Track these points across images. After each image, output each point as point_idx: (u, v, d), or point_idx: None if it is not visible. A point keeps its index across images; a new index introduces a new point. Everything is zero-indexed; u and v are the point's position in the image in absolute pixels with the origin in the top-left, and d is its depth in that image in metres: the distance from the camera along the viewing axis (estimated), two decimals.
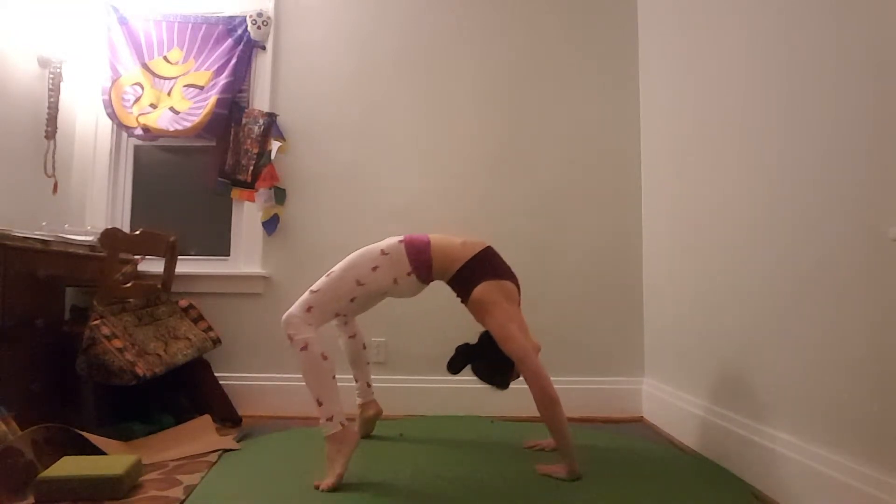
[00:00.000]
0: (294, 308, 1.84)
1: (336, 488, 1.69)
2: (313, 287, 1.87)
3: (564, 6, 2.90)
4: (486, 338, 1.93)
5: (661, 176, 2.58)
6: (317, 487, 1.70)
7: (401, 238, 1.94)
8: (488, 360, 1.91)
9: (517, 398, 2.67)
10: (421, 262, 1.90)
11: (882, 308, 1.30)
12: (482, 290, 1.85)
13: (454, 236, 2.00)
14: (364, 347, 2.27)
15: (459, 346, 1.95)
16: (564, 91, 2.87)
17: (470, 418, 2.59)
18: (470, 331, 2.75)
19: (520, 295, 1.97)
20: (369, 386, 2.27)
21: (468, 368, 1.95)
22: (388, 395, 2.45)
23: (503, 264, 1.97)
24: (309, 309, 1.82)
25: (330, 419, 1.74)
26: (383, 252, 1.89)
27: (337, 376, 1.80)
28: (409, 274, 1.89)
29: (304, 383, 2.67)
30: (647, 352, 2.74)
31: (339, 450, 1.74)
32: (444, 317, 2.77)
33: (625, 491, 1.71)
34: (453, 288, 1.98)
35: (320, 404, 1.75)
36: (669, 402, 2.41)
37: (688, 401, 2.25)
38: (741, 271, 1.89)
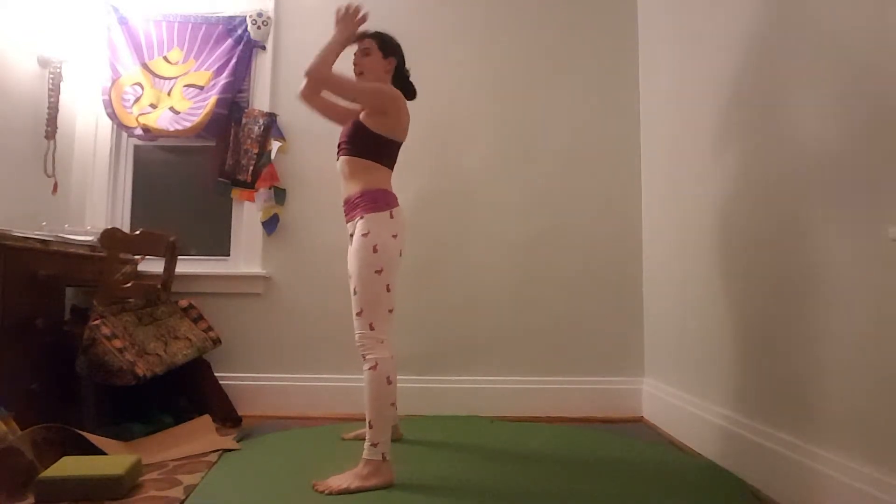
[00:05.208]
0: (358, 330, 1.83)
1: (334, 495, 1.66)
2: (356, 310, 1.84)
3: (564, 4, 2.90)
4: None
5: (662, 175, 2.58)
6: (314, 487, 1.70)
7: (360, 216, 1.92)
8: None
9: (517, 398, 2.69)
10: (386, 197, 1.94)
11: (882, 307, 1.30)
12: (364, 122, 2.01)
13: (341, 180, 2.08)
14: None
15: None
16: (564, 89, 2.87)
17: (470, 418, 2.59)
18: (469, 331, 2.77)
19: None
20: (394, 405, 2.25)
21: None
22: None
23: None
24: (371, 326, 1.82)
25: (374, 445, 1.74)
26: (364, 235, 1.87)
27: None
28: (391, 217, 1.91)
29: (304, 383, 2.71)
30: (647, 352, 2.74)
31: (367, 478, 1.71)
32: (444, 317, 2.78)
33: (625, 491, 1.71)
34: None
35: (371, 427, 1.75)
36: (669, 402, 2.41)
37: (688, 401, 2.25)
38: (741, 271, 1.89)
